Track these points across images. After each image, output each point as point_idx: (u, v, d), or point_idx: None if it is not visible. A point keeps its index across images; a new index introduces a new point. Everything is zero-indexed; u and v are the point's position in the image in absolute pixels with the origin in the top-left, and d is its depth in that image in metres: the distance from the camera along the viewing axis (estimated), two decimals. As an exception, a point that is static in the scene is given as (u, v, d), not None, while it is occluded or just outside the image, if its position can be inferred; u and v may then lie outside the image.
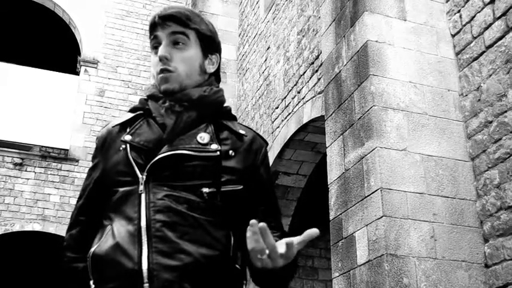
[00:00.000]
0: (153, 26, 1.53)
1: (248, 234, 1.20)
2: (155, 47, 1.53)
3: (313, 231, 1.18)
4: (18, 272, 14.01)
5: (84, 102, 12.16)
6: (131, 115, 1.54)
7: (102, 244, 1.37)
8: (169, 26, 1.51)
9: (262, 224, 1.17)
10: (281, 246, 1.21)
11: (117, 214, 1.39)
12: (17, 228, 10.82)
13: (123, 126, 1.52)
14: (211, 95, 1.51)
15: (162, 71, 1.49)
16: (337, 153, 4.69)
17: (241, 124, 1.55)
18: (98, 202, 1.50)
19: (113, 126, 1.54)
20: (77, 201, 1.56)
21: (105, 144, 1.52)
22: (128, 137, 1.46)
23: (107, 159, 1.49)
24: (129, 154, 1.43)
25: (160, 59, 1.48)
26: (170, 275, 1.29)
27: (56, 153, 12.66)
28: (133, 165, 1.41)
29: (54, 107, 16.98)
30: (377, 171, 4.01)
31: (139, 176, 1.40)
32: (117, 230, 1.36)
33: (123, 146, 1.46)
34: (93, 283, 1.37)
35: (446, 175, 4.15)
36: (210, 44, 1.56)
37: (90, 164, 1.59)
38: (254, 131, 1.55)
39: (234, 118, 1.56)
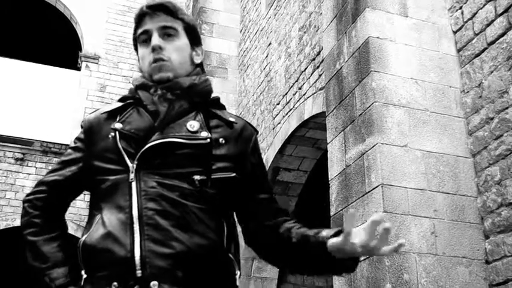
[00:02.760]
0: (141, 17, 1.54)
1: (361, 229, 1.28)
2: (144, 40, 1.54)
3: (379, 215, 1.26)
4: (19, 266, 14.04)
5: (86, 97, 12.16)
6: (120, 104, 1.54)
7: (92, 233, 1.36)
8: (159, 16, 1.52)
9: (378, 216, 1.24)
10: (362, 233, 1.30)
11: (107, 203, 1.39)
12: (18, 223, 10.84)
13: (112, 114, 1.52)
14: (201, 83, 1.53)
15: (156, 60, 1.50)
16: (338, 149, 4.69)
17: (231, 113, 1.56)
18: (74, 184, 1.51)
19: (101, 113, 1.54)
20: (50, 172, 1.54)
21: (91, 129, 1.51)
22: (118, 125, 1.46)
23: (93, 145, 1.48)
24: (118, 142, 1.43)
25: (154, 49, 1.49)
26: (163, 263, 1.29)
27: (57, 148, 12.66)
28: (123, 154, 1.41)
29: (55, 102, 17.00)
30: (378, 168, 4.01)
31: (130, 164, 1.39)
32: (108, 219, 1.36)
33: (112, 134, 1.45)
34: (85, 272, 1.37)
35: (447, 171, 4.15)
36: (195, 36, 1.59)
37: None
38: (244, 120, 1.56)
39: (223, 107, 1.57)
